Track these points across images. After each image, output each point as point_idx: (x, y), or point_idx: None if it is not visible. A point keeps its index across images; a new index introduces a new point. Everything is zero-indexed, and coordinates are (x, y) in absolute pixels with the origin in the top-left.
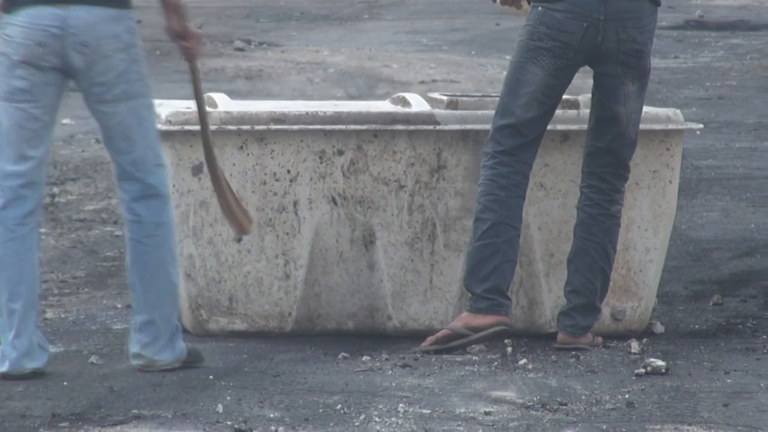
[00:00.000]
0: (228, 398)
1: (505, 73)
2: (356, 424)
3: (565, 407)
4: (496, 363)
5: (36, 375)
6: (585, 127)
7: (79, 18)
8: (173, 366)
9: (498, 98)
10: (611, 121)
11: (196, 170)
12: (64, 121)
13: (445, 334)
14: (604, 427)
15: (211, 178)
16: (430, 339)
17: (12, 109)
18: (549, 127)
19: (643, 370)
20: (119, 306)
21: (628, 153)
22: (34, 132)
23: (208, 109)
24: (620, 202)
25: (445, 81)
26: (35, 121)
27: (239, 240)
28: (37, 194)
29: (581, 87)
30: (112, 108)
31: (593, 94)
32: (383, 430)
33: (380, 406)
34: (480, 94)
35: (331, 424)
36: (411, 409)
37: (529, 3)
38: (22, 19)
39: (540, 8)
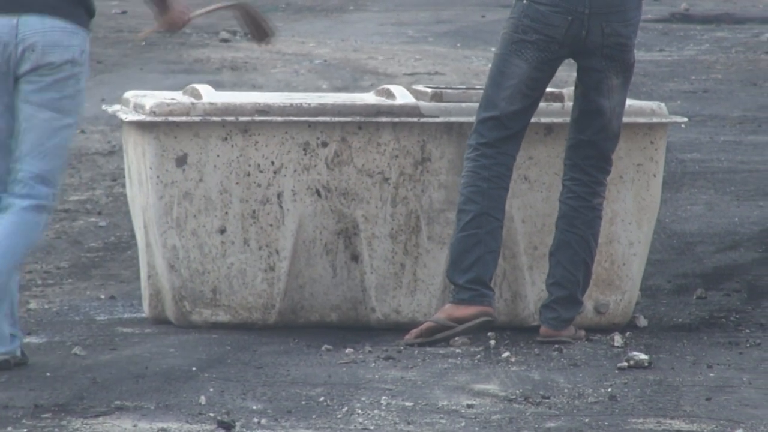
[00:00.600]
0: (211, 390)
1: (490, 65)
2: (339, 416)
3: (547, 400)
4: (479, 356)
5: (8, 363)
6: (569, 120)
7: (29, 25)
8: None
9: (482, 91)
10: (594, 114)
11: (180, 161)
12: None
13: (428, 327)
14: (587, 420)
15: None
16: (414, 332)
17: None
18: (533, 119)
19: (626, 364)
20: (103, 297)
21: (610, 146)
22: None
23: (192, 100)
24: (602, 195)
25: (430, 73)
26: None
27: (267, 43)
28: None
29: (566, 80)
30: (36, 111)
31: (576, 86)
32: (366, 422)
33: (363, 399)
34: (465, 87)
35: (314, 416)
36: (394, 402)
37: None
38: None
39: (525, 1)
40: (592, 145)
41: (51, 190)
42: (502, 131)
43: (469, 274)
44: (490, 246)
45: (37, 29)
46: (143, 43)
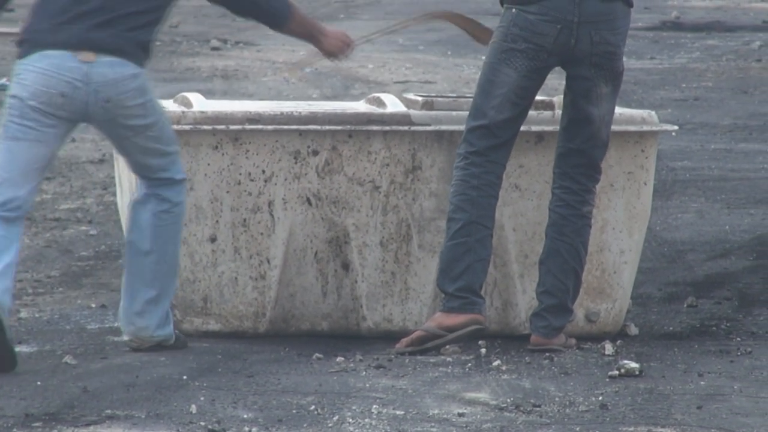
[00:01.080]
0: (202, 399)
1: (480, 74)
2: (330, 425)
3: (538, 409)
4: (469, 364)
5: None
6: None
7: (101, 75)
8: (167, 343)
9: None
10: (584, 123)
11: None
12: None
13: (419, 336)
14: (578, 429)
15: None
16: (404, 341)
17: (15, 146)
18: (524, 128)
19: (616, 372)
20: (93, 306)
21: (599, 154)
22: (35, 170)
23: (183, 109)
24: (591, 203)
25: (421, 81)
26: (35, 161)
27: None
28: (21, 213)
29: (557, 88)
30: (134, 139)
31: (565, 95)
32: (357, 431)
33: (354, 407)
34: (455, 95)
35: (305, 425)
36: (384, 411)
37: (502, 5)
38: (41, 65)
39: (514, 10)
40: (581, 154)
41: (173, 166)
42: (491, 140)
43: (459, 283)
44: (480, 254)
45: (109, 78)
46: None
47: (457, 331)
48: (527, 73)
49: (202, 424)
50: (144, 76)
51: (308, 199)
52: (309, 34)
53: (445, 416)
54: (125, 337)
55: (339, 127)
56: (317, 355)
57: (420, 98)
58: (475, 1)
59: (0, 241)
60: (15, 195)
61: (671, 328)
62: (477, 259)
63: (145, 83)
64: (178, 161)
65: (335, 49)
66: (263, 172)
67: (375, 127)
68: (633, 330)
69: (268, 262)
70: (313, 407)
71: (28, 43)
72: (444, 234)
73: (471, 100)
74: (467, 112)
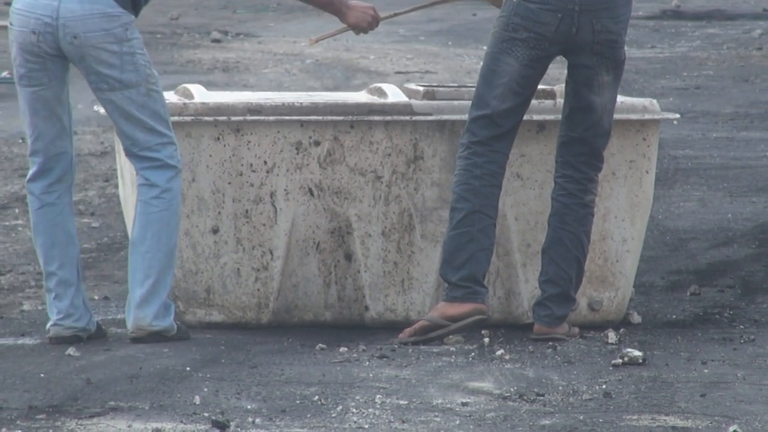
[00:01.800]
0: (205, 390)
1: (481, 63)
2: (333, 415)
3: (542, 398)
4: (473, 354)
5: (79, 338)
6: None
7: (70, 10)
8: (168, 334)
9: (474, 89)
10: (585, 111)
11: None
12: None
13: (422, 325)
14: (581, 417)
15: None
16: (407, 331)
17: (24, 92)
18: (525, 117)
19: (620, 361)
20: (96, 298)
21: (601, 143)
22: (48, 110)
23: (184, 100)
24: (594, 192)
25: (422, 72)
26: (45, 101)
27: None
28: (62, 164)
29: (558, 77)
30: (108, 96)
31: (567, 83)
32: (360, 421)
33: (357, 397)
34: (456, 85)
35: (309, 415)
36: (388, 400)
37: None
38: (21, 6)
39: (515, 0)
40: (583, 142)
41: (166, 148)
42: (493, 129)
43: (462, 272)
44: (483, 243)
45: (78, 14)
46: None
47: (460, 321)
48: (529, 63)
49: (206, 415)
50: (124, 21)
51: (310, 190)
52: (334, 4)
53: (448, 406)
54: (128, 328)
55: (340, 118)
56: (320, 345)
57: (421, 88)
58: None
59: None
60: (43, 146)
61: (674, 317)
62: (480, 248)
63: (123, 31)
64: (171, 148)
65: (361, 22)
66: (265, 163)
67: (376, 117)
68: (636, 318)
69: (271, 253)
70: (316, 397)
71: None
72: (447, 224)
73: (472, 89)
74: (469, 102)
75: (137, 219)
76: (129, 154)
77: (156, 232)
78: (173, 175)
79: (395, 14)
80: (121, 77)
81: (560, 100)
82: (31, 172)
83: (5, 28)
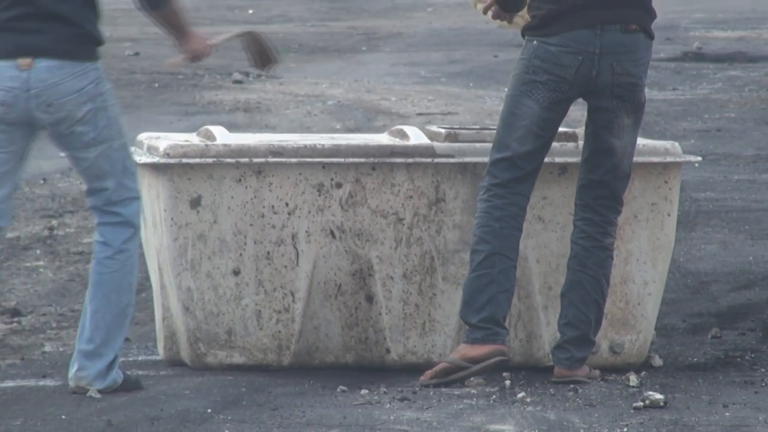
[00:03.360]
0: None
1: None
2: None
3: None
4: (494, 396)
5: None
6: None
7: (40, 80)
8: (109, 390)
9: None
10: (606, 154)
11: (194, 203)
12: (61, 154)
13: (443, 368)
14: None
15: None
16: (428, 372)
17: None
18: (547, 159)
19: (641, 404)
20: None
21: (621, 186)
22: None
23: (206, 142)
24: (613, 235)
25: (444, 113)
26: (4, 162)
27: (269, 70)
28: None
29: (580, 119)
30: (83, 154)
31: (587, 126)
32: None
33: None
34: (478, 127)
35: None
36: None
37: (523, 36)
38: None
39: (535, 42)
40: (603, 185)
41: (133, 204)
42: (514, 172)
43: (483, 314)
44: (503, 285)
45: (50, 82)
46: (156, 85)
47: (481, 363)
48: (549, 105)
49: None
50: (93, 76)
51: (332, 232)
52: (179, 28)
53: None
54: (68, 379)
55: (362, 160)
56: (341, 387)
57: (443, 130)
58: (496, 33)
59: None
60: None
61: (695, 359)
62: (500, 290)
63: (95, 87)
64: (137, 203)
65: (198, 51)
66: (287, 204)
67: (398, 159)
68: (657, 361)
69: (292, 294)
70: None
71: None
72: (468, 266)
73: (494, 131)
74: (490, 144)
75: (90, 276)
76: (93, 207)
77: (106, 294)
78: (130, 236)
79: (218, 43)
80: (95, 135)
81: (582, 143)
82: None
83: None
